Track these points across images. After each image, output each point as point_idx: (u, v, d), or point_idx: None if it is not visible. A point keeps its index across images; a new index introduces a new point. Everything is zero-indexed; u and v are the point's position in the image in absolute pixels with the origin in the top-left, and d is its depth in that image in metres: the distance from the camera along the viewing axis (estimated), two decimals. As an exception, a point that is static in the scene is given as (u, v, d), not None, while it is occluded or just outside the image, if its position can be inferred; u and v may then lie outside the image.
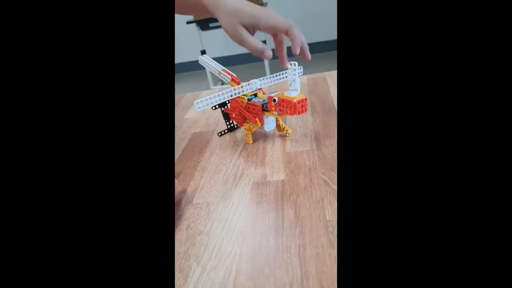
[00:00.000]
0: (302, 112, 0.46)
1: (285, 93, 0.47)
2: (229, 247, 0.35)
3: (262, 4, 2.34)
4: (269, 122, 0.54)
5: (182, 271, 0.33)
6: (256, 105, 0.51)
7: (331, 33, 2.88)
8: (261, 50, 0.46)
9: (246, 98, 0.52)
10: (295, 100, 0.45)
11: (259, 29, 0.46)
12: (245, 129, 0.55)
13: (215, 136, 0.60)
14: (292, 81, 0.47)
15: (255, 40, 0.46)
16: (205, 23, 2.31)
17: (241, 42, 0.46)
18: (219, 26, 2.29)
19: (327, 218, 0.36)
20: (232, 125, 0.61)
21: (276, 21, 0.45)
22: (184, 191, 0.46)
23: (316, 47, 2.96)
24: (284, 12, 2.81)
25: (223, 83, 2.71)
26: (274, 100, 0.47)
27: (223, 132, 0.60)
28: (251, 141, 0.55)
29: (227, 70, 0.56)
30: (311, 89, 0.72)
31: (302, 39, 0.46)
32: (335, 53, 2.89)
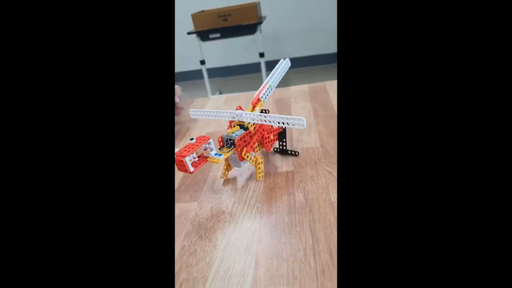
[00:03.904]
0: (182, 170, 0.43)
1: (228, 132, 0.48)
2: (249, 223, 0.41)
3: (260, 18, 2.43)
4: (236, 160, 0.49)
5: (210, 241, 0.39)
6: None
7: (329, 46, 2.99)
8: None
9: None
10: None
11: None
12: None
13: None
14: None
15: None
16: (205, 34, 2.40)
17: None
18: (219, 37, 2.39)
19: (333, 200, 0.42)
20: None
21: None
22: (204, 180, 0.52)
23: (315, 59, 3.07)
24: (284, 25, 2.93)
25: (220, 93, 2.78)
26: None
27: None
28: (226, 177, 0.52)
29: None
30: (312, 96, 0.79)
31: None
32: (332, 65, 2.99)
